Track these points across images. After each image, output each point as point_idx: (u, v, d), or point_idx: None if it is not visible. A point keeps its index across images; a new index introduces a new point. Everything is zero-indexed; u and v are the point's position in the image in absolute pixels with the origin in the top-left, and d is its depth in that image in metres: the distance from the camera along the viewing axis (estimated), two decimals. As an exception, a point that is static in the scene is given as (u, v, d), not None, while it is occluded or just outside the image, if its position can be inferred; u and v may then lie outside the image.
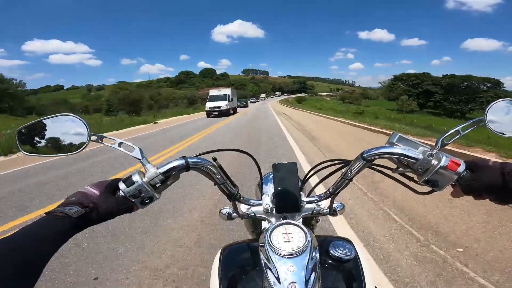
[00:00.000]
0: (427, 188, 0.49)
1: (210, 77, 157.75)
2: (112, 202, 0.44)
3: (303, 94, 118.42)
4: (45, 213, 0.39)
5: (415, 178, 0.50)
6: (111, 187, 0.46)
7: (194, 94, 70.87)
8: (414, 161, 0.46)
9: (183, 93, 70.31)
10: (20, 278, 0.31)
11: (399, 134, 0.49)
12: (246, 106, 35.63)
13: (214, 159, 0.50)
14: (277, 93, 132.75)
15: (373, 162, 0.50)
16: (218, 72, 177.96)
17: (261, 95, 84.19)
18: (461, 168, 0.44)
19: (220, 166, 0.51)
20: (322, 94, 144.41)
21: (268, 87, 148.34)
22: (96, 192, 0.44)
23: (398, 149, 0.46)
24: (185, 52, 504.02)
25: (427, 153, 0.45)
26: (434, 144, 0.47)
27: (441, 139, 0.47)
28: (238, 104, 28.44)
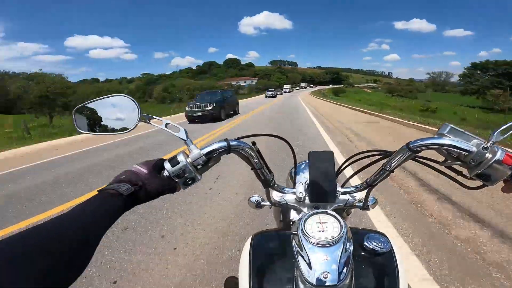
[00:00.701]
0: (477, 183, 0.48)
1: (235, 67, 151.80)
2: (158, 181, 0.46)
3: (338, 86, 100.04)
4: (97, 190, 0.41)
5: (464, 172, 0.49)
6: (157, 166, 0.48)
7: (213, 85, 64.87)
8: (467, 153, 0.45)
9: (201, 83, 64.53)
10: (77, 254, 0.32)
11: (451, 125, 0.48)
12: (274, 96, 35.30)
13: (254, 144, 0.52)
14: (302, 84, 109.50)
15: (418, 154, 0.50)
16: (244, 62, 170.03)
17: (285, 86, 69.42)
18: None
19: (258, 151, 0.53)
20: (360, 85, 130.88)
21: (297, 77, 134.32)
22: (144, 170, 0.46)
23: (450, 140, 0.46)
24: (213, 44, 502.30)
25: (482, 145, 0.44)
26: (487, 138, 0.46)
27: (496, 132, 0.45)
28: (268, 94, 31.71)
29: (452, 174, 0.52)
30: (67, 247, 0.31)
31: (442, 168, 0.52)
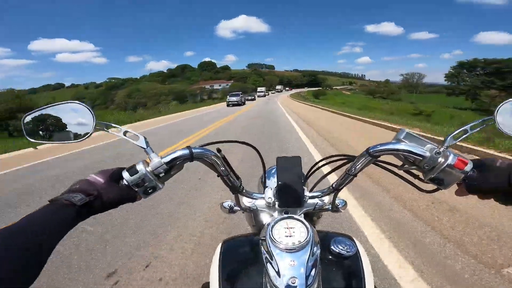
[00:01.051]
0: (432, 186, 0.51)
1: (210, 70, 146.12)
2: (115, 191, 0.46)
3: (318, 88, 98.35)
4: (48, 200, 0.40)
5: (421, 176, 0.52)
6: (115, 175, 0.47)
7: (184, 89, 58.99)
8: (421, 158, 0.47)
9: (169, 87, 58.52)
10: (25, 267, 0.32)
11: (407, 131, 0.51)
12: (241, 104, 28.00)
13: (219, 150, 0.53)
14: (278, 87, 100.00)
15: (378, 159, 0.53)
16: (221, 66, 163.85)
17: (259, 89, 61.22)
18: (468, 167, 0.46)
19: (224, 158, 0.53)
20: (337, 87, 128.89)
21: (274, 79, 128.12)
22: (101, 180, 0.45)
23: (405, 146, 0.48)
24: (190, 48, 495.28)
25: (435, 150, 0.47)
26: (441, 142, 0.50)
27: (449, 137, 0.48)
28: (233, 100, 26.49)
29: (410, 178, 0.55)
30: (15, 257, 0.31)
31: (401, 172, 0.55)
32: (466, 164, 0.45)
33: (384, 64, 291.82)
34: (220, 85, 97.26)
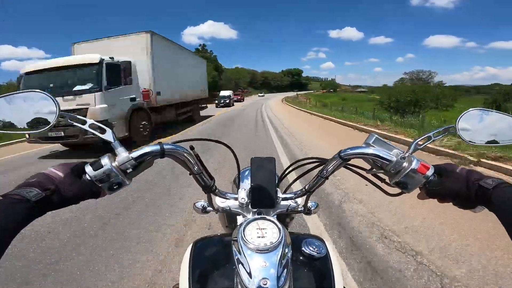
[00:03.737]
0: (397, 190, 0.54)
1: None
2: (76, 186, 0.44)
3: (305, 92, 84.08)
4: (0, 195, 0.38)
5: (387, 180, 0.55)
6: (77, 169, 0.46)
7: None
8: (388, 162, 0.50)
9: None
10: None
11: (376, 136, 0.54)
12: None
13: (192, 148, 0.52)
14: (224, 93, 28.84)
15: (349, 162, 0.55)
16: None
17: (222, 93, 28.24)
18: (430, 172, 0.49)
19: (197, 156, 0.53)
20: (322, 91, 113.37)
21: (243, 77, 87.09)
22: (60, 174, 0.44)
23: (373, 150, 0.51)
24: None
25: (400, 155, 0.50)
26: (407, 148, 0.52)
27: (414, 143, 0.52)
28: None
29: (377, 181, 0.58)
30: None
31: (369, 176, 0.58)
32: (428, 169, 0.49)
33: (347, 68, 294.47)
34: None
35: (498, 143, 0.54)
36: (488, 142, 0.54)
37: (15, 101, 0.49)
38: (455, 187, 0.47)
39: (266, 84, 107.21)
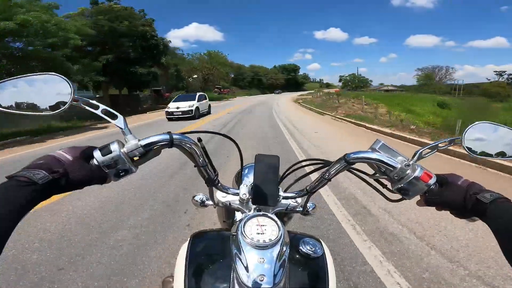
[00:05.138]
0: (397, 196, 0.55)
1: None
2: (84, 170, 0.43)
3: (304, 92, 62.86)
4: (6, 176, 0.38)
5: (389, 186, 0.56)
6: (85, 154, 0.45)
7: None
8: (392, 168, 0.51)
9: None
10: None
11: (382, 142, 0.54)
12: None
13: (199, 140, 0.53)
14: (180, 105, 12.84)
15: (353, 166, 0.55)
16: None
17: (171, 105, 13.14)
18: (432, 180, 0.50)
19: (204, 148, 0.53)
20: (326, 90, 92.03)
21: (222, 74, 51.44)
22: (69, 157, 0.43)
23: (379, 156, 0.52)
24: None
25: (405, 162, 0.51)
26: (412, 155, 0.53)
27: (419, 152, 0.53)
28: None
29: (379, 186, 0.59)
30: None
31: (371, 181, 0.59)
32: (430, 177, 0.50)
33: (332, 69, 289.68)
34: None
35: (503, 157, 0.55)
36: (493, 156, 0.55)
37: (33, 83, 0.49)
38: (453, 199, 0.48)
39: (255, 82, 78.62)
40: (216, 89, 49.11)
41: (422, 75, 70.21)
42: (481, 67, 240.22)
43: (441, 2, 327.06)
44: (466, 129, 0.54)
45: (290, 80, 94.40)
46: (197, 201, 0.71)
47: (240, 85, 70.64)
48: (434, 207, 0.52)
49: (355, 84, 73.19)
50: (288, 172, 0.69)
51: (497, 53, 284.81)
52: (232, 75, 69.51)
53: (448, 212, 0.51)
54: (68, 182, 0.41)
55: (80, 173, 0.42)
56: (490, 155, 0.55)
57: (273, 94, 61.90)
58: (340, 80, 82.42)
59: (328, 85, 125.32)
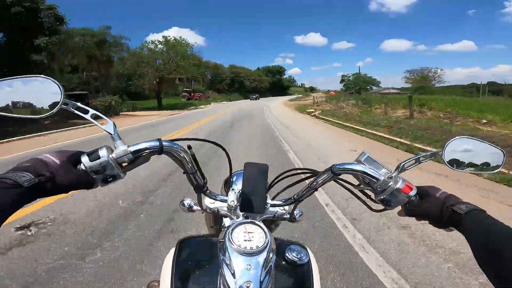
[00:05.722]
0: (380, 206, 0.57)
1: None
2: (71, 175, 0.43)
3: (293, 96, 56.04)
4: None
5: (373, 196, 0.57)
6: (73, 158, 0.45)
7: None
8: (375, 180, 0.53)
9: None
10: None
11: (367, 154, 0.56)
12: None
13: (189, 147, 0.53)
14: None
15: (339, 176, 0.57)
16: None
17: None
18: (412, 192, 0.53)
19: (193, 155, 0.54)
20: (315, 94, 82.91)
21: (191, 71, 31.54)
22: (57, 161, 0.43)
23: (364, 168, 0.54)
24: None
25: (388, 175, 0.53)
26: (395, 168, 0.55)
27: (401, 165, 0.55)
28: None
29: (363, 197, 0.61)
30: None
31: (356, 191, 0.60)
32: (411, 189, 0.52)
33: (312, 74, 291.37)
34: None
35: (480, 171, 0.58)
36: (471, 170, 0.57)
37: (21, 86, 0.48)
38: (431, 210, 0.51)
39: (236, 85, 64.78)
40: (184, 93, 37.39)
41: (417, 77, 61.44)
42: (450, 70, 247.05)
43: (413, 7, 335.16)
44: (447, 144, 0.56)
45: (275, 83, 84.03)
46: (185, 206, 0.71)
47: (218, 89, 58.92)
48: (414, 217, 0.55)
49: (359, 86, 58.09)
50: (276, 180, 0.71)
51: (465, 56, 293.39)
52: (210, 77, 57.89)
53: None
54: (54, 186, 0.41)
55: (66, 178, 0.42)
56: (469, 169, 0.57)
57: (253, 100, 48.40)
58: (342, 81, 67.50)
59: (312, 89, 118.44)
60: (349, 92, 48.60)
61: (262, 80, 73.77)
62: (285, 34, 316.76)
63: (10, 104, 0.48)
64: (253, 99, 48.87)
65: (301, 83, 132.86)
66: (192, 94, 38.94)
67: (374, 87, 62.59)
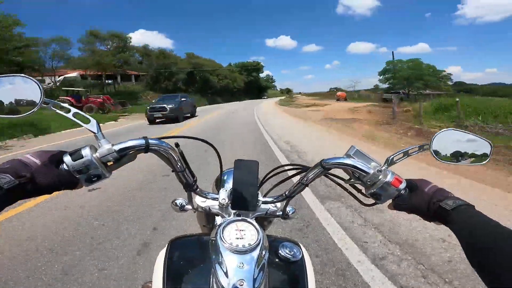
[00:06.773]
0: (371, 200, 0.57)
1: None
2: (53, 175, 0.42)
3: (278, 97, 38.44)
4: None
5: (363, 190, 0.57)
6: (55, 158, 0.45)
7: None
8: (365, 174, 0.53)
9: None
10: None
11: (357, 148, 0.56)
12: None
13: (177, 145, 0.52)
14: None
15: (329, 171, 0.57)
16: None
17: None
18: (402, 185, 0.52)
19: (181, 153, 0.53)
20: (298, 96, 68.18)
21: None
22: (37, 161, 0.42)
23: (353, 162, 0.54)
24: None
25: (377, 168, 0.53)
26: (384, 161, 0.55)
27: (390, 158, 0.55)
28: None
29: (354, 191, 0.61)
30: None
31: (347, 186, 0.60)
32: (401, 182, 0.52)
33: (283, 77, 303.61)
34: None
35: (469, 163, 0.58)
36: (457, 161, 0.57)
37: (1, 84, 0.47)
38: (418, 205, 0.51)
39: (199, 83, 42.37)
40: (65, 98, 14.95)
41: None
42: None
43: (376, 10, 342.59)
44: (434, 136, 0.56)
45: (251, 83, 63.76)
46: (176, 205, 0.69)
47: (164, 88, 35.12)
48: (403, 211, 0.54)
49: (422, 80, 31.18)
50: (267, 177, 0.70)
51: (420, 58, 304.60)
52: (152, 70, 35.72)
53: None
54: (35, 187, 0.41)
55: (47, 178, 0.42)
56: (455, 161, 0.57)
57: (231, 104, 30.35)
58: (384, 73, 36.15)
59: (288, 91, 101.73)
60: (403, 92, 29.63)
61: (235, 78, 53.16)
62: (256, 37, 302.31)
63: None
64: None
65: (273, 85, 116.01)
66: (85, 99, 17.58)
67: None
